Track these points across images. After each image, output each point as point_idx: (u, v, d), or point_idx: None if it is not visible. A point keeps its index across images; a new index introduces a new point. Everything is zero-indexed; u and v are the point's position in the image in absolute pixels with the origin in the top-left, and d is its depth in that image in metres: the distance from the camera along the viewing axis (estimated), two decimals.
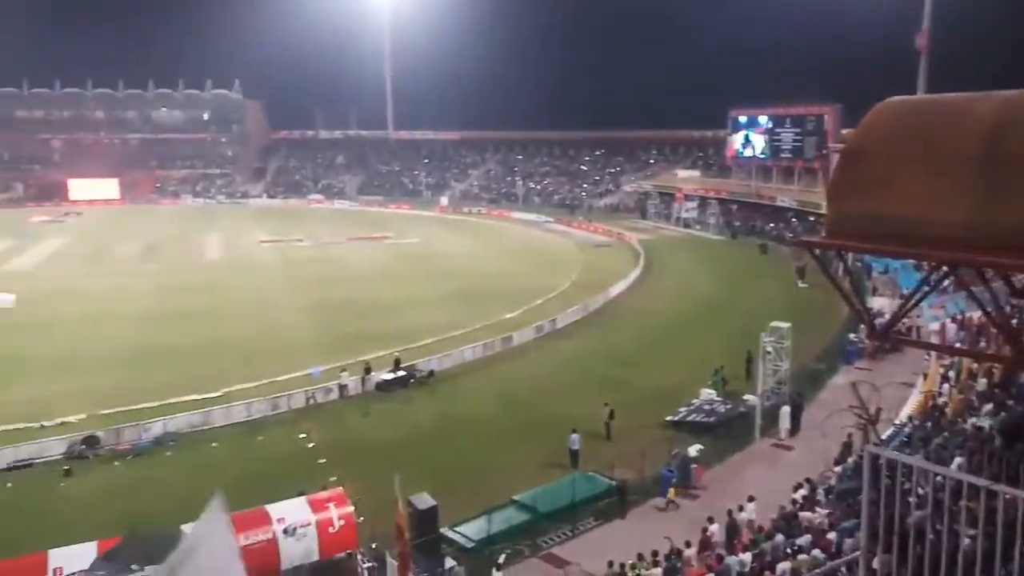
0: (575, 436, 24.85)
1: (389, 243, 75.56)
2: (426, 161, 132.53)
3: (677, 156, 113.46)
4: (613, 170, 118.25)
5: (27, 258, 66.58)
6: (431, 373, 33.78)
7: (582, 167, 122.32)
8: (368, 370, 32.67)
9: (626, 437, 26.00)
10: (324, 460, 25.09)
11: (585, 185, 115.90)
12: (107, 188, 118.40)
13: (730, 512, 19.47)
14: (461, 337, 39.12)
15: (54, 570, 16.12)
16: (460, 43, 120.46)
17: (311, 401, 30.65)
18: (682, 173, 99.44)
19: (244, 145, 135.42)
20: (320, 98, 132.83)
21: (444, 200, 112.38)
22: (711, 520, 19.24)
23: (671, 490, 22.04)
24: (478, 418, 29.35)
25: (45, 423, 27.94)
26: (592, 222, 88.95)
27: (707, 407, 28.57)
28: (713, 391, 30.01)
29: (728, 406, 28.57)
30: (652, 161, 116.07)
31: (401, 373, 32.87)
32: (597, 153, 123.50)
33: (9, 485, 23.99)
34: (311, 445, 26.78)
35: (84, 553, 16.61)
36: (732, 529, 19.03)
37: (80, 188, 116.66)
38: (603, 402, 27.43)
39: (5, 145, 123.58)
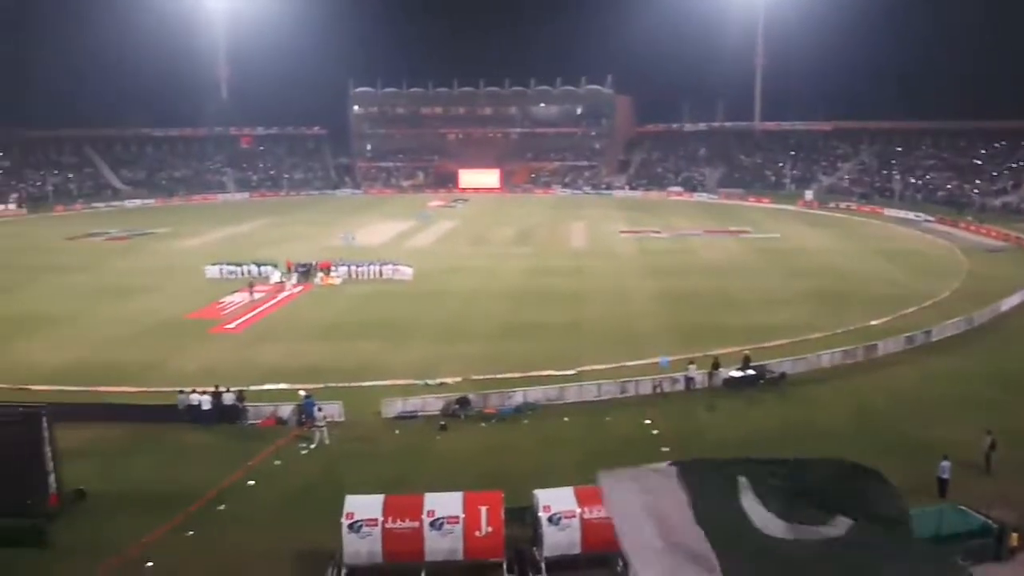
0: (945, 463, 22.29)
1: (747, 237, 73.83)
2: (792, 153, 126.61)
3: None
4: (1015, 165, 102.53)
5: (424, 237, 76.83)
6: (782, 375, 32.49)
7: (975, 161, 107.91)
8: (716, 365, 32.41)
9: (1010, 472, 22.76)
10: (667, 449, 25.50)
11: (977, 181, 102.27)
12: (490, 177, 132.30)
13: None
14: (818, 341, 37.09)
15: (428, 511, 18.56)
16: (835, 27, 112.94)
17: (657, 389, 31.25)
18: None
19: (611, 139, 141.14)
20: (687, 91, 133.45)
21: (808, 194, 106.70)
22: None
23: (1014, 535, 18.82)
24: (829, 428, 27.57)
25: (429, 382, 32.16)
26: (984, 224, 78.85)
27: None
28: None
29: None
30: None
31: (750, 372, 32.10)
32: (996, 146, 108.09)
33: (396, 432, 27.95)
34: (655, 432, 27.38)
35: (452, 501, 18.85)
36: None
37: (468, 177, 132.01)
38: (985, 429, 24.19)
39: (412, 137, 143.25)
